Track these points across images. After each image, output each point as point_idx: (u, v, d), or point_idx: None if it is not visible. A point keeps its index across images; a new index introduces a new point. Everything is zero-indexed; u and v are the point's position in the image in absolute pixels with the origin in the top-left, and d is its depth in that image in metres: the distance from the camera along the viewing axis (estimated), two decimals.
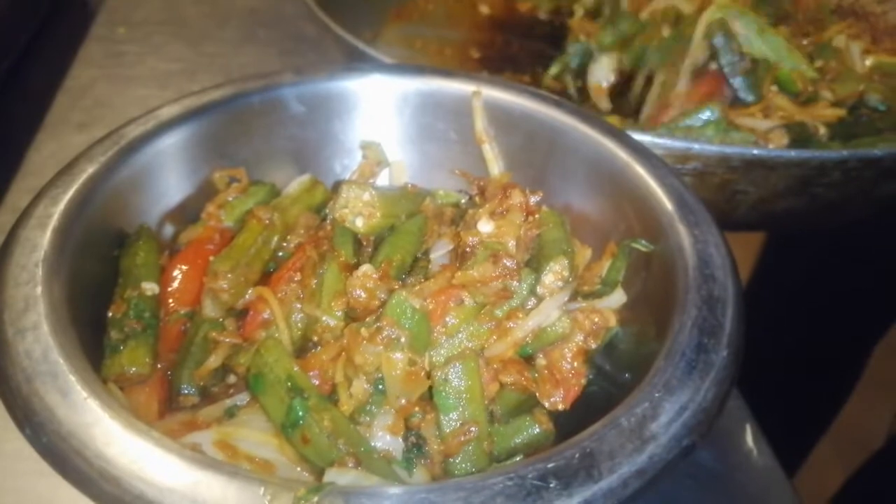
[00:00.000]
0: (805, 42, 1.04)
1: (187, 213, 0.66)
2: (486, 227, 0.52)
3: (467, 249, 0.51)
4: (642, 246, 0.59)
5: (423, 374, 0.47)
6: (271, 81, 0.71)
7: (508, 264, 0.49)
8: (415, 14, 1.30)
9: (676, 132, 0.83)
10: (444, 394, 0.47)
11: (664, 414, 0.42)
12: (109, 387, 0.47)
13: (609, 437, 0.41)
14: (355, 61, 0.98)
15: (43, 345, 0.44)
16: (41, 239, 0.51)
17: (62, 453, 0.39)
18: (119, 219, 0.60)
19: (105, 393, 0.42)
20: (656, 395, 0.43)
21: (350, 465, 0.44)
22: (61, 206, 0.54)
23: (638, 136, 0.68)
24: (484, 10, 1.32)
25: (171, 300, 0.56)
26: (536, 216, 0.55)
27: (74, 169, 0.58)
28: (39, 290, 0.48)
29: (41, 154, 1.01)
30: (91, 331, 0.52)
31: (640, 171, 0.63)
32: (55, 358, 0.43)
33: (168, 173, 0.65)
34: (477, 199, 0.61)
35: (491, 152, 0.73)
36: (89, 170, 0.58)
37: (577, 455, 0.40)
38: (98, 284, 0.55)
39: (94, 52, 1.26)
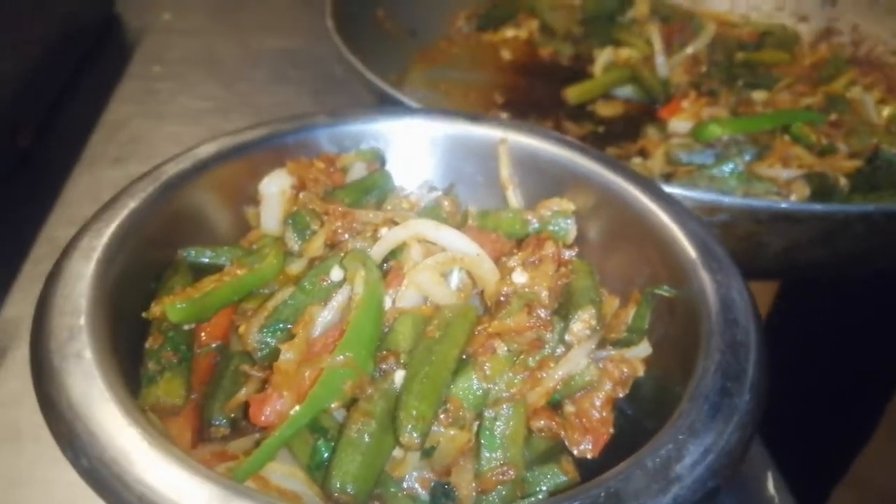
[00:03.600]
0: (809, 100, 1.06)
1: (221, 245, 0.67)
2: (520, 277, 0.53)
3: (501, 298, 0.52)
4: (665, 292, 0.60)
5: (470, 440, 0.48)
6: (305, 123, 0.74)
7: (542, 315, 0.51)
8: (439, 57, 1.33)
9: (700, 181, 0.84)
10: (489, 433, 0.48)
11: (689, 456, 0.43)
12: (149, 416, 0.48)
13: (634, 478, 0.42)
14: (384, 103, 1.01)
15: (86, 373, 0.46)
16: (85, 270, 0.53)
17: (103, 478, 0.40)
18: (157, 252, 0.62)
19: (145, 421, 0.43)
20: (680, 437, 0.44)
21: None
22: (104, 239, 0.56)
23: (668, 189, 0.70)
24: (506, 55, 1.35)
25: (203, 333, 0.58)
26: (568, 266, 0.56)
27: (116, 204, 0.61)
28: (83, 320, 0.49)
29: (78, 187, 1.05)
30: (129, 360, 0.54)
31: (664, 217, 0.64)
32: (98, 386, 0.45)
33: (204, 209, 0.67)
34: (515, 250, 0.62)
35: (515, 197, 0.75)
36: (130, 205, 0.60)
37: (602, 494, 0.41)
38: (136, 315, 0.57)
39: (130, 90, 1.30)
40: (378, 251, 0.56)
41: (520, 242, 0.68)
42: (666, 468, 0.42)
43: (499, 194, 0.74)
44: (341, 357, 0.45)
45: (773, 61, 1.25)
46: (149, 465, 0.41)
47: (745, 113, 1.06)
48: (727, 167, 0.86)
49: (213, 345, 0.58)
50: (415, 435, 0.44)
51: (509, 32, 1.37)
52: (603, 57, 1.24)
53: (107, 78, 1.31)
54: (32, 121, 1.09)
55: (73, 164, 1.08)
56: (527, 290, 0.53)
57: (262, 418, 0.46)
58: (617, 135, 1.09)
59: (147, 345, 0.55)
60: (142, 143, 1.15)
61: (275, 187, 0.66)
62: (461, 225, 0.65)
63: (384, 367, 0.49)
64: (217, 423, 0.53)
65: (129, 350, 0.54)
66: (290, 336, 0.50)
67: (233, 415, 0.53)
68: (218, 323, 0.58)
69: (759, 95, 1.12)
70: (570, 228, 0.69)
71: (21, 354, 0.74)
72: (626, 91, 1.21)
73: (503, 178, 0.74)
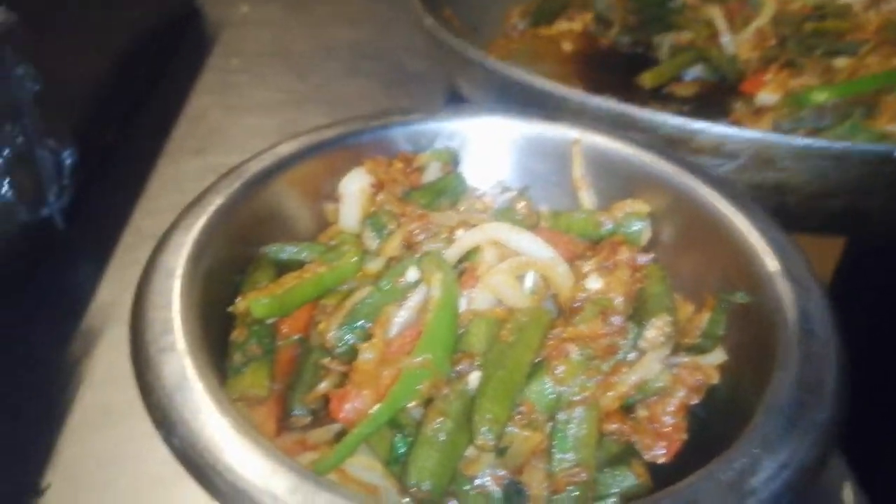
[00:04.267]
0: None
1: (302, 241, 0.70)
2: (594, 283, 0.54)
3: (576, 304, 0.53)
4: (741, 298, 0.59)
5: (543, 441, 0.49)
6: (381, 122, 0.76)
7: (616, 322, 0.51)
8: (501, 52, 1.33)
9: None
10: (562, 434, 0.49)
11: (764, 470, 0.43)
12: (237, 406, 0.51)
13: (707, 491, 0.42)
14: (457, 97, 1.03)
15: (180, 365, 0.48)
16: (177, 265, 0.56)
17: (198, 465, 0.43)
18: (241, 248, 0.65)
19: (235, 412, 0.46)
20: (755, 450, 0.44)
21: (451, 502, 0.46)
22: (194, 234, 0.59)
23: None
24: (567, 47, 1.35)
25: (284, 327, 0.60)
26: (642, 271, 0.57)
27: (203, 201, 0.64)
28: (176, 314, 0.52)
29: (161, 178, 1.09)
30: (217, 351, 0.56)
31: (741, 221, 0.63)
32: (191, 378, 0.47)
33: (284, 206, 0.70)
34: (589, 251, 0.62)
35: (588, 198, 0.75)
36: (216, 202, 0.63)
37: None
38: (223, 309, 0.59)
39: (209, 82, 1.34)
40: (453, 253, 0.57)
41: (593, 244, 0.68)
42: (740, 482, 0.42)
43: (571, 195, 0.75)
44: (419, 358, 0.47)
45: (841, 30, 1.23)
46: (238, 454, 0.43)
47: (832, 81, 1.06)
48: (843, 127, 0.86)
49: (294, 337, 0.60)
50: (489, 437, 0.45)
51: (563, 26, 1.37)
52: (667, 41, 1.25)
53: (188, 71, 1.36)
54: (119, 116, 1.14)
55: (156, 155, 1.12)
56: (601, 296, 0.53)
57: (342, 414, 0.48)
58: (703, 113, 1.08)
59: (232, 337, 0.58)
60: (221, 135, 1.19)
61: (354, 186, 0.68)
62: (534, 226, 0.66)
63: (460, 368, 0.50)
64: (298, 413, 0.55)
65: (216, 341, 0.57)
66: (368, 335, 0.52)
67: (313, 406, 0.56)
68: (299, 317, 0.61)
69: (840, 62, 1.11)
70: (643, 230, 0.68)
71: (114, 336, 0.78)
72: (696, 71, 1.22)
73: (576, 179, 0.74)
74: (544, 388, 0.50)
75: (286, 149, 0.71)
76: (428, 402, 0.49)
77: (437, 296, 0.51)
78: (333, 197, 0.72)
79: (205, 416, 0.45)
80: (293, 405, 0.55)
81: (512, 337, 0.51)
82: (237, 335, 0.57)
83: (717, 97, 1.15)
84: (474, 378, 0.49)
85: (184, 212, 0.63)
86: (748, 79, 1.15)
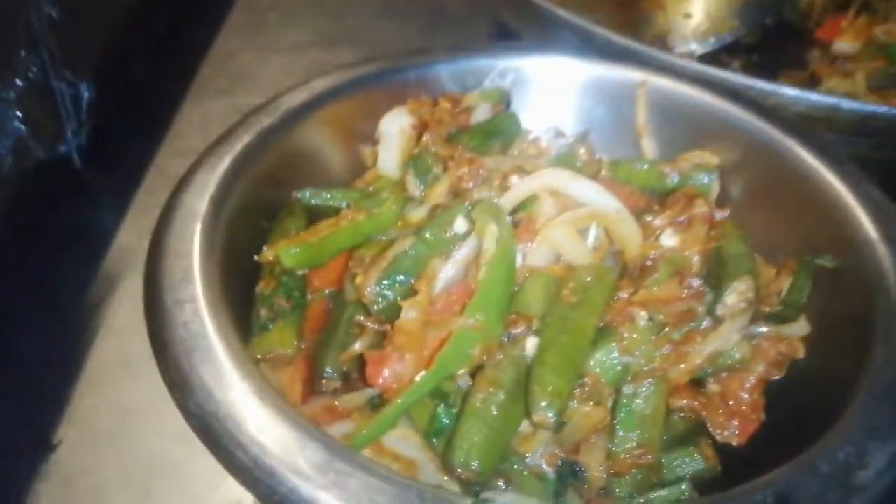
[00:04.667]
0: None
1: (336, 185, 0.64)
2: (670, 240, 0.47)
3: (647, 262, 0.46)
4: (828, 262, 0.53)
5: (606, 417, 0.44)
6: (425, 58, 0.69)
7: (695, 285, 0.45)
8: None
9: None
10: (627, 411, 0.43)
11: (874, 463, 0.37)
12: (261, 367, 0.45)
13: (806, 484, 0.36)
14: (502, 40, 0.95)
15: (200, 319, 0.43)
16: (199, 207, 0.50)
17: (216, 436, 0.38)
18: (271, 191, 0.59)
19: (259, 375, 0.40)
20: (861, 439, 0.38)
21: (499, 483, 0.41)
22: (218, 174, 0.54)
23: None
24: None
25: (315, 279, 0.55)
26: (718, 229, 0.50)
27: (231, 137, 0.58)
28: (197, 261, 0.47)
29: (187, 119, 1.03)
30: (240, 303, 0.51)
31: (830, 177, 0.56)
32: (211, 335, 0.42)
33: (319, 147, 0.64)
34: (655, 205, 0.56)
35: (649, 146, 0.68)
36: (245, 139, 0.57)
37: (768, 500, 0.35)
38: (249, 257, 0.54)
39: (238, 23, 1.28)
40: (507, 202, 0.51)
41: (656, 198, 0.61)
42: (846, 475, 0.36)
43: (633, 143, 0.67)
44: (471, 320, 0.41)
45: None
46: (263, 424, 0.38)
47: None
48: None
49: (327, 291, 0.54)
50: (550, 414, 0.39)
51: None
52: None
53: (217, 10, 1.29)
54: (143, 52, 1.08)
55: (183, 95, 1.06)
56: (677, 254, 0.47)
57: (381, 381, 0.42)
58: (775, 64, 0.98)
59: (259, 289, 0.52)
60: (249, 76, 1.13)
61: (395, 126, 0.62)
62: (595, 175, 0.59)
63: (514, 332, 0.44)
64: (329, 375, 0.50)
65: (240, 294, 0.52)
66: (411, 291, 0.46)
67: (345, 368, 0.50)
68: (332, 269, 0.55)
69: None
70: (712, 184, 0.61)
71: (133, 284, 0.73)
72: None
73: (639, 125, 0.67)
74: (610, 358, 0.44)
75: (321, 84, 0.65)
76: (476, 371, 0.43)
77: (490, 249, 0.45)
78: (372, 139, 0.65)
79: (225, 379, 0.40)
80: (324, 366, 0.50)
81: (574, 298, 0.44)
82: (264, 287, 0.52)
83: (785, 44, 1.05)
84: (531, 344, 0.43)
85: (208, 150, 0.57)
86: (820, 24, 1.05)
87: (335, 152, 0.66)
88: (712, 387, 0.48)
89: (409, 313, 0.44)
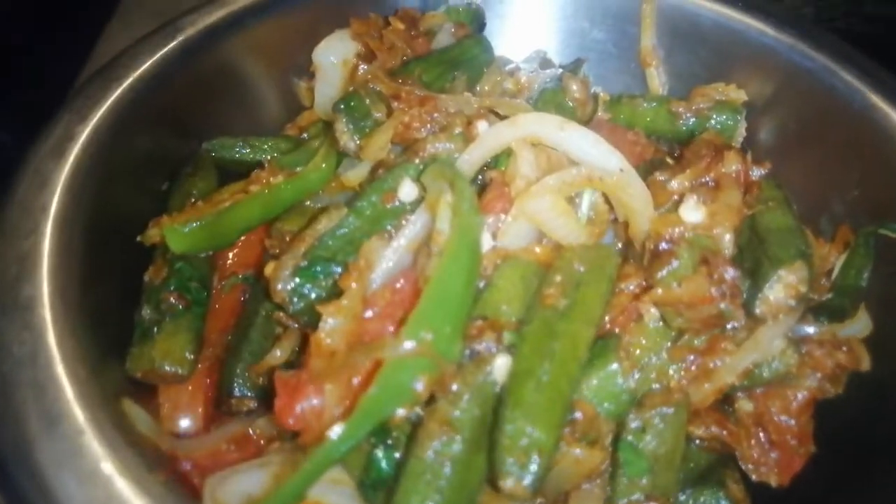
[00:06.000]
0: None
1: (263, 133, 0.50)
2: (693, 213, 0.34)
3: (663, 246, 0.33)
4: (894, 232, 0.40)
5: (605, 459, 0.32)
6: None
7: (729, 277, 0.32)
8: None
9: None
10: (633, 451, 0.32)
11: None
12: (125, 408, 0.33)
13: None
14: None
15: (36, 336, 0.31)
16: (55, 173, 0.37)
17: None
18: (174, 141, 0.46)
19: (116, 428, 0.28)
20: None
21: None
22: (91, 123, 0.40)
23: None
24: None
25: (225, 261, 0.42)
26: (754, 192, 0.37)
27: (112, 72, 0.44)
28: (46, 244, 0.34)
29: (113, 46, 0.88)
30: (121, 298, 0.38)
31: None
32: (51, 365, 0.29)
33: (243, 80, 0.51)
34: (667, 158, 0.43)
35: (657, 79, 0.55)
36: (133, 73, 0.44)
37: None
38: (140, 231, 0.41)
39: None
40: (472, 159, 0.37)
41: (670, 147, 0.48)
42: None
43: (635, 72, 0.54)
44: (411, 343, 0.28)
45: None
46: None
47: None
48: None
49: (241, 275, 0.42)
50: (526, 480, 0.27)
51: None
52: None
53: None
54: None
55: (108, 18, 0.91)
56: (703, 232, 0.34)
57: (291, 420, 0.30)
58: None
59: (147, 278, 0.39)
60: None
61: (334, 56, 0.48)
62: (590, 119, 0.46)
63: (478, 347, 0.31)
64: (240, 392, 0.38)
65: (122, 281, 0.39)
66: (338, 288, 0.33)
67: (262, 381, 0.38)
68: (249, 244, 0.42)
69: None
70: (737, 127, 0.49)
71: None
72: None
73: (644, 51, 0.54)
74: (610, 381, 0.32)
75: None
76: (430, 400, 0.31)
77: (444, 231, 0.32)
78: (308, 71, 0.51)
79: (63, 437, 0.27)
80: (234, 380, 0.38)
81: (562, 301, 0.32)
82: (153, 276, 0.39)
83: None
84: (501, 366, 0.31)
85: (78, 89, 0.43)
86: None
87: (264, 88, 0.53)
88: (744, 405, 0.36)
89: (331, 321, 0.31)
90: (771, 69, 0.50)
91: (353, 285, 0.32)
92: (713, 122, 0.49)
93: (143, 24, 0.92)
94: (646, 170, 0.42)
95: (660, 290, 0.32)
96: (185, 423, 0.37)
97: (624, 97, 0.51)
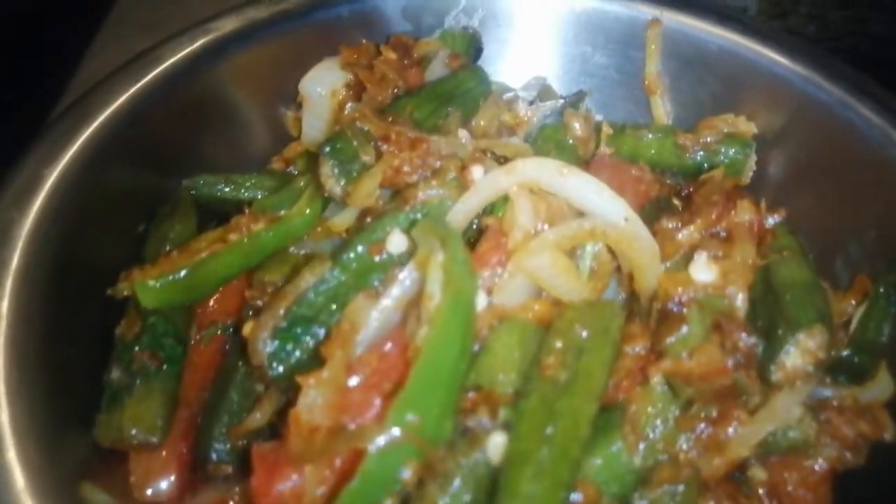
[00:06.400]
0: None
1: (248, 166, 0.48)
2: (704, 273, 0.32)
3: (672, 308, 0.31)
4: None
5: None
6: None
7: (743, 344, 0.29)
8: None
9: None
10: None
11: None
12: (84, 493, 0.30)
13: None
14: None
15: None
16: (17, 225, 0.35)
17: None
18: (151, 180, 0.44)
19: None
20: None
21: None
22: (58, 167, 0.38)
23: None
24: None
25: (205, 310, 0.40)
26: (767, 240, 0.35)
27: (91, 99, 0.41)
28: (4, 308, 0.31)
29: (101, 59, 0.86)
30: (90, 356, 0.36)
31: None
32: (1, 451, 0.27)
33: (227, 110, 0.48)
34: (675, 200, 0.40)
35: (662, 108, 0.52)
36: (107, 109, 0.41)
37: None
38: (114, 280, 0.38)
39: None
40: (466, 208, 0.35)
41: (675, 182, 0.46)
42: None
43: (640, 99, 0.52)
44: (397, 430, 0.26)
45: None
46: None
47: None
48: None
49: (221, 325, 0.39)
50: None
51: None
52: None
53: None
54: None
55: (95, 31, 0.88)
56: (715, 292, 0.31)
57: (268, 499, 0.28)
58: None
59: (118, 332, 0.37)
60: (178, 6, 0.94)
61: (321, 87, 0.46)
62: (592, 154, 0.44)
63: (472, 424, 0.29)
64: (217, 457, 0.35)
65: (93, 338, 0.36)
66: (319, 356, 0.30)
67: (242, 442, 0.36)
68: (230, 291, 0.40)
69: None
70: (747, 162, 0.46)
71: None
72: None
73: (650, 78, 0.52)
74: (615, 458, 0.30)
75: (225, 25, 0.49)
76: (418, 484, 0.28)
77: (435, 295, 0.29)
78: (296, 100, 0.49)
79: None
80: (212, 443, 0.36)
81: (563, 374, 0.29)
82: (124, 330, 0.36)
83: None
84: (496, 445, 0.28)
85: (54, 122, 0.41)
86: None
87: (251, 119, 0.50)
88: (757, 473, 0.34)
89: (311, 396, 0.28)
90: (782, 100, 0.48)
91: (337, 352, 0.30)
92: (721, 156, 0.46)
93: (131, 37, 0.90)
94: (652, 212, 0.39)
95: (669, 361, 0.30)
96: (157, 491, 0.34)
97: (628, 128, 0.48)
